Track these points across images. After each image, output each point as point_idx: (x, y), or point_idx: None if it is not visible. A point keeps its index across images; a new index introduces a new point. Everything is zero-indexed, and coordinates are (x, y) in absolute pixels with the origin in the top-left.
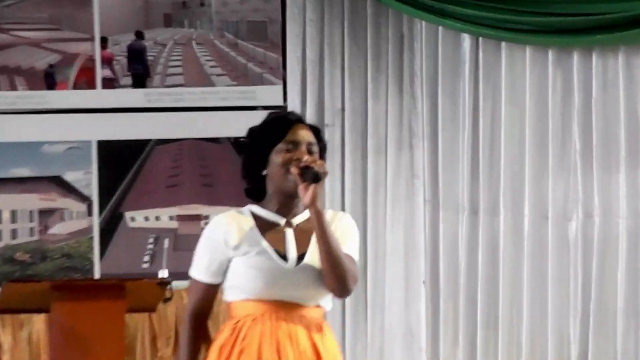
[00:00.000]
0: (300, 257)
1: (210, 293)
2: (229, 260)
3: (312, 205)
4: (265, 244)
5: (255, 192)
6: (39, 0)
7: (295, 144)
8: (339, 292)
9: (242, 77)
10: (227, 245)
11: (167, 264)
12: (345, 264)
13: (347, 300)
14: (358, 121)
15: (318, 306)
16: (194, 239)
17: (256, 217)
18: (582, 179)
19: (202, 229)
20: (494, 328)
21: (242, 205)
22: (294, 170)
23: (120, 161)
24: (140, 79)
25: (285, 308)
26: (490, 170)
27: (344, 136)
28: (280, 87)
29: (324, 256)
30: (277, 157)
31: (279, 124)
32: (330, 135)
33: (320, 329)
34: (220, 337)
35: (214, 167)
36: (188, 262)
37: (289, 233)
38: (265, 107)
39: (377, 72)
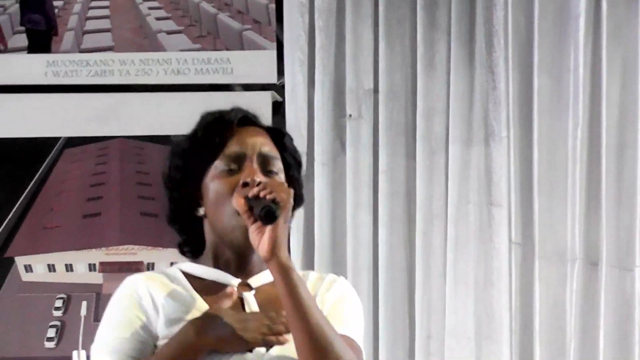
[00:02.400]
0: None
1: None
2: (155, 339)
3: (273, 256)
4: None
5: (192, 245)
6: None
7: (240, 160)
8: None
9: (210, 37)
10: (151, 322)
11: (84, 343)
12: (340, 352)
13: None
14: (400, 110)
15: None
16: None
17: (191, 279)
18: None
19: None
20: None
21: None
22: (235, 202)
23: (8, 173)
24: (41, 39)
25: None
26: (619, 194)
27: (377, 134)
28: (272, 54)
29: (299, 339)
30: (213, 184)
31: (213, 129)
32: (355, 132)
33: None
34: None
35: (161, 185)
36: None
37: (250, 299)
38: (247, 87)
39: (432, 30)
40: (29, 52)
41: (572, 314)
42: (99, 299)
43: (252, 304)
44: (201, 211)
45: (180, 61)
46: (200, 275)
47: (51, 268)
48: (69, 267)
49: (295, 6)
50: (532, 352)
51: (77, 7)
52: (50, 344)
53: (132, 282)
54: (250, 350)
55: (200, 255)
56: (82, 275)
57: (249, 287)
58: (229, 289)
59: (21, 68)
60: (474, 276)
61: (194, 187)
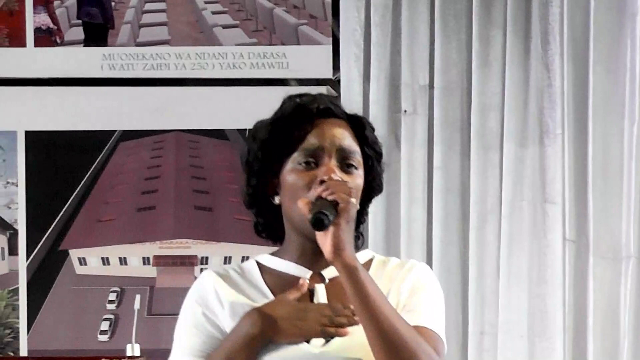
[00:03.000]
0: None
1: None
2: (224, 334)
3: (337, 257)
4: None
5: (269, 229)
6: None
7: (318, 154)
8: None
9: (266, 32)
10: (211, 320)
11: (137, 337)
12: (413, 345)
13: None
14: (455, 106)
15: None
16: (182, 295)
17: (265, 271)
18: None
19: (195, 278)
20: None
21: (259, 240)
22: (301, 204)
23: (63, 166)
24: (98, 32)
25: None
26: None
27: (432, 129)
28: (328, 49)
29: (370, 336)
30: (290, 177)
31: (293, 120)
32: (409, 128)
33: None
34: None
35: (215, 179)
36: (171, 334)
37: (320, 292)
38: (302, 81)
39: (487, 24)
40: (85, 45)
41: (626, 312)
42: (153, 293)
43: (320, 297)
44: (277, 200)
45: (236, 55)
46: (274, 267)
47: (105, 261)
48: (122, 261)
49: (351, 1)
50: (586, 350)
51: (133, 1)
52: (103, 337)
53: (199, 283)
54: (307, 341)
55: (279, 242)
56: (136, 268)
57: (323, 279)
58: (301, 281)
59: (77, 61)
60: (527, 273)
61: (272, 177)
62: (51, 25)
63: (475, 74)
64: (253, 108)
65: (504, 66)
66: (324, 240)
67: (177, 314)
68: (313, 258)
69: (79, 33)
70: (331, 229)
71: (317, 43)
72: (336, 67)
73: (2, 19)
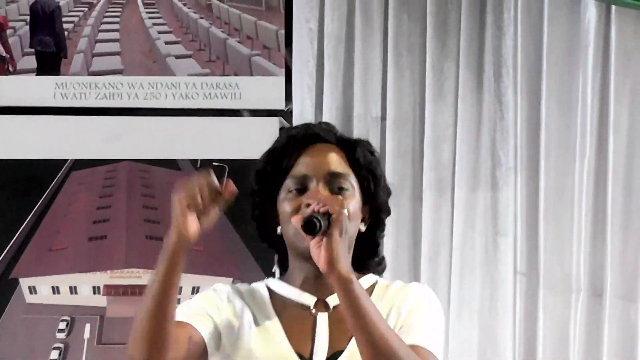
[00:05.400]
0: (335, 358)
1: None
2: (219, 334)
3: (331, 269)
4: (282, 340)
5: (283, 260)
6: None
7: (306, 180)
8: None
9: (219, 62)
10: (225, 306)
11: None
12: (402, 355)
13: None
14: (407, 138)
15: None
16: (130, 325)
17: (273, 295)
18: None
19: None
20: None
21: (212, 271)
22: (294, 220)
23: (14, 194)
24: (51, 61)
25: None
26: (625, 225)
27: (384, 161)
28: (280, 80)
29: (364, 351)
30: (283, 205)
31: (284, 150)
32: None
33: None
34: None
35: (166, 208)
36: None
37: (321, 320)
38: (254, 112)
39: (441, 56)
40: (37, 74)
41: (575, 344)
42: (103, 322)
43: (320, 326)
44: (279, 230)
45: (189, 85)
46: (281, 293)
47: (55, 290)
48: (73, 290)
49: (304, 32)
50: None
51: (87, 30)
52: None
53: (216, 286)
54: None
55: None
56: (86, 297)
57: (327, 306)
58: (305, 307)
59: (30, 90)
60: (479, 304)
61: (271, 207)
62: (4, 54)
63: (428, 106)
64: (206, 138)
65: (457, 98)
66: (318, 253)
67: (126, 344)
68: (316, 283)
69: (31, 62)
70: (324, 241)
71: (270, 74)
72: (289, 98)
73: None
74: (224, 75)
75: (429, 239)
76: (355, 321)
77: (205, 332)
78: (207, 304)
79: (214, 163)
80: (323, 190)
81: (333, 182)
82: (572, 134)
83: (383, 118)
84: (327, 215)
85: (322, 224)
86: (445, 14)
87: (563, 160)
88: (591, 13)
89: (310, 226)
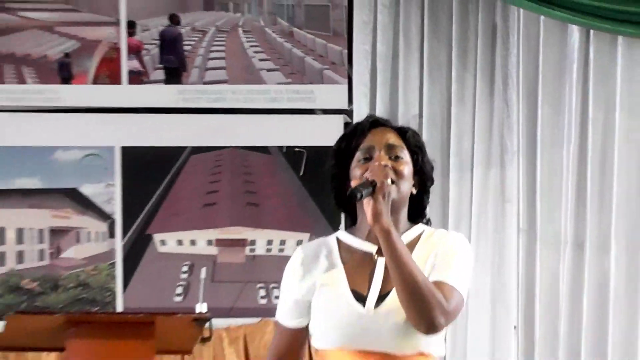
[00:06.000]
0: (385, 297)
1: (288, 337)
2: (306, 300)
3: (375, 222)
4: (341, 281)
5: (353, 218)
6: None
7: (371, 151)
8: (422, 327)
9: (298, 74)
10: (300, 283)
11: (204, 298)
12: (427, 291)
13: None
14: (438, 131)
15: (421, 354)
16: (237, 269)
17: (341, 245)
18: None
19: (246, 257)
20: None
21: (294, 228)
22: (352, 183)
23: (148, 172)
24: (174, 74)
25: (373, 358)
26: (600, 195)
27: None
28: (344, 87)
29: (396, 283)
30: (353, 171)
31: (354, 131)
32: None
33: None
34: None
35: (260, 183)
36: (228, 296)
37: (380, 265)
38: (325, 111)
39: (463, 71)
40: (165, 84)
41: (563, 284)
42: (215, 266)
43: (378, 269)
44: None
45: (276, 92)
46: (348, 242)
47: (180, 242)
48: (192, 242)
49: (361, 52)
50: (534, 312)
51: (201, 51)
52: (178, 299)
53: (293, 257)
54: (363, 304)
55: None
56: (202, 248)
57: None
58: (368, 254)
59: (159, 95)
60: (491, 256)
61: (345, 177)
62: (140, 69)
63: (453, 108)
64: (289, 131)
65: (475, 102)
66: (367, 210)
67: (233, 282)
68: (376, 236)
69: (160, 74)
70: (371, 202)
71: (337, 83)
72: (350, 101)
73: (104, 64)
74: (302, 84)
75: (454, 206)
76: (391, 261)
77: (302, 321)
78: (291, 291)
79: (295, 149)
80: (384, 157)
81: (391, 151)
82: (561, 128)
83: (420, 116)
84: (372, 183)
85: (363, 193)
86: (466, 39)
87: (554, 147)
88: (575, 37)
89: (351, 196)
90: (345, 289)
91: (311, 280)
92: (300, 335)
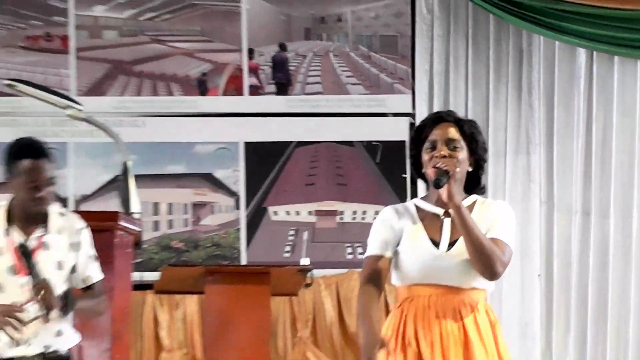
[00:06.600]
0: (453, 244)
1: (378, 263)
2: (395, 238)
3: (450, 200)
4: (421, 232)
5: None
6: (192, 15)
7: (435, 143)
8: (486, 276)
9: (374, 87)
10: (392, 225)
11: (306, 254)
12: (487, 249)
13: None
14: (480, 128)
15: (474, 288)
16: (330, 232)
17: (418, 209)
18: None
19: (337, 223)
20: (603, 322)
21: (372, 202)
22: (429, 172)
23: (264, 161)
24: (283, 87)
25: (440, 291)
26: (601, 175)
27: None
28: (409, 96)
29: (467, 244)
30: (423, 157)
31: (423, 125)
32: None
33: (473, 309)
34: (388, 321)
35: (347, 168)
36: (325, 254)
37: (447, 222)
38: (395, 114)
39: (498, 83)
40: (276, 95)
41: (575, 246)
42: (314, 230)
43: (445, 225)
44: (423, 170)
45: (358, 100)
46: (423, 207)
47: (287, 213)
48: (297, 213)
49: (422, 71)
50: (552, 264)
51: (302, 70)
52: (287, 255)
53: (386, 210)
54: (437, 246)
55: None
56: (305, 217)
57: (449, 215)
58: (437, 215)
59: (271, 103)
60: (520, 225)
61: (418, 158)
62: (257, 84)
63: (491, 110)
64: (368, 129)
65: (507, 106)
66: (443, 192)
67: (327, 242)
68: (443, 202)
69: (272, 88)
70: (446, 185)
71: (403, 93)
72: (414, 107)
73: (231, 80)
74: (377, 94)
75: (492, 183)
76: (462, 228)
77: (388, 253)
78: (382, 231)
79: (373, 143)
80: (444, 149)
81: (450, 143)
82: (571, 125)
83: (466, 117)
84: (447, 171)
85: (444, 181)
86: (500, 59)
87: (566, 139)
88: (582, 57)
89: (437, 185)
90: (425, 237)
91: (400, 226)
92: (384, 266)
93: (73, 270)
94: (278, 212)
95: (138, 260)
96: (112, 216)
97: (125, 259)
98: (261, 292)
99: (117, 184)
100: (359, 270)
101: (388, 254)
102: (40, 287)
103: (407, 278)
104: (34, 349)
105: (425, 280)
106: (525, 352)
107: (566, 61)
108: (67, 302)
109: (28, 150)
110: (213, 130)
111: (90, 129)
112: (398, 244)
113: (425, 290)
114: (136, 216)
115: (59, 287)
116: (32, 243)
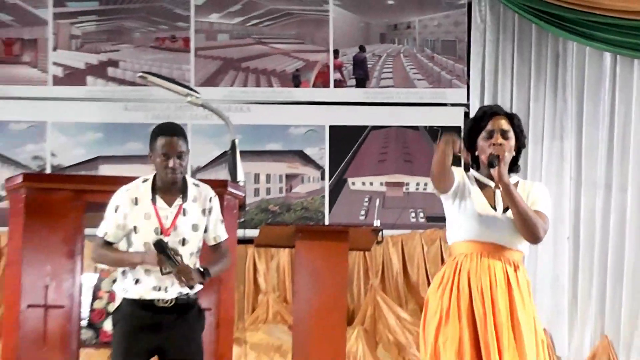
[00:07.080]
0: (506, 210)
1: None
2: (462, 185)
3: (500, 179)
4: (482, 197)
5: (478, 165)
6: (289, 22)
7: (492, 132)
8: (531, 240)
9: (436, 82)
10: (461, 178)
11: (377, 217)
12: (533, 218)
13: None
14: (522, 118)
15: (517, 250)
16: (397, 200)
17: (476, 179)
18: None
19: (404, 192)
20: (620, 277)
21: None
22: (483, 157)
23: (345, 141)
24: (362, 81)
25: (491, 248)
26: (621, 158)
27: None
28: (464, 90)
29: (514, 214)
30: (480, 142)
31: (481, 117)
32: None
33: (516, 267)
34: (443, 270)
35: (412, 148)
36: (393, 217)
37: (498, 193)
38: (452, 105)
39: (538, 81)
40: (356, 87)
41: (600, 215)
42: (384, 198)
43: (498, 197)
44: (477, 153)
45: (423, 93)
46: (479, 178)
47: (363, 183)
48: (371, 183)
49: (476, 70)
50: (579, 230)
51: (378, 67)
52: (362, 217)
53: (459, 169)
54: (495, 209)
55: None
56: (377, 187)
57: (499, 187)
58: (489, 186)
59: (352, 94)
60: (553, 194)
61: (475, 143)
62: (341, 78)
63: (531, 103)
64: (431, 115)
65: (545, 103)
66: (495, 172)
67: (396, 208)
68: (492, 177)
69: (353, 82)
70: (497, 167)
71: (460, 87)
72: (468, 98)
73: (319, 75)
74: (439, 88)
75: (531, 164)
76: (510, 202)
77: (455, 179)
78: (456, 174)
79: (434, 127)
80: (499, 137)
81: (504, 133)
82: (597, 117)
83: (511, 108)
84: (498, 156)
85: (496, 163)
86: (540, 61)
87: (593, 128)
88: (607, 60)
89: (491, 165)
90: (484, 200)
91: (465, 182)
92: (453, 177)
93: (205, 230)
94: (355, 183)
95: (241, 220)
96: (222, 183)
97: (232, 218)
98: (341, 248)
99: (226, 158)
100: (421, 231)
101: (458, 179)
102: (182, 272)
103: (466, 233)
104: (171, 294)
105: (480, 237)
106: (556, 300)
107: (594, 63)
108: (203, 274)
109: (164, 130)
110: (304, 116)
111: (205, 113)
112: (461, 196)
113: (478, 246)
114: (241, 184)
115: (195, 244)
116: (173, 211)
